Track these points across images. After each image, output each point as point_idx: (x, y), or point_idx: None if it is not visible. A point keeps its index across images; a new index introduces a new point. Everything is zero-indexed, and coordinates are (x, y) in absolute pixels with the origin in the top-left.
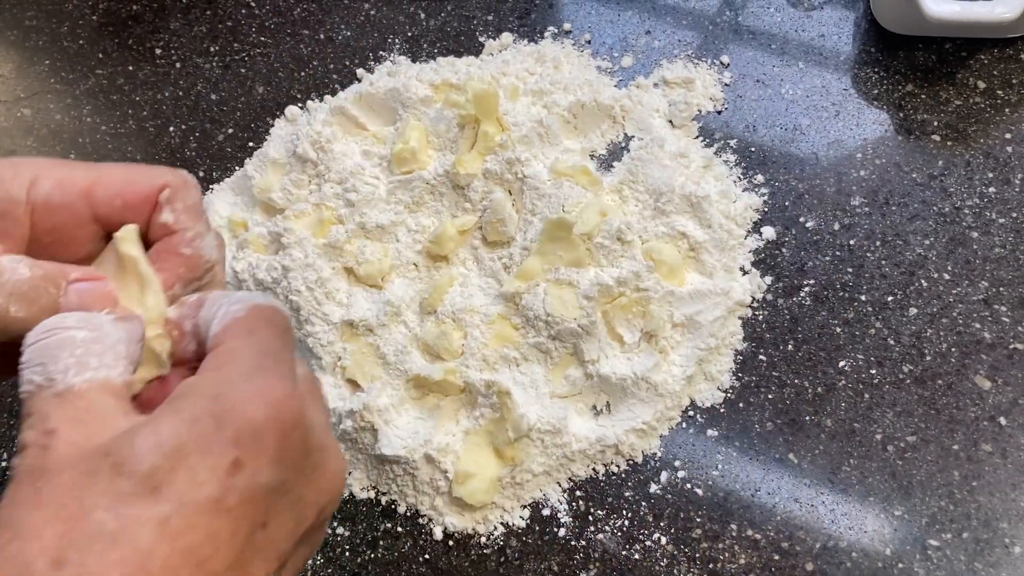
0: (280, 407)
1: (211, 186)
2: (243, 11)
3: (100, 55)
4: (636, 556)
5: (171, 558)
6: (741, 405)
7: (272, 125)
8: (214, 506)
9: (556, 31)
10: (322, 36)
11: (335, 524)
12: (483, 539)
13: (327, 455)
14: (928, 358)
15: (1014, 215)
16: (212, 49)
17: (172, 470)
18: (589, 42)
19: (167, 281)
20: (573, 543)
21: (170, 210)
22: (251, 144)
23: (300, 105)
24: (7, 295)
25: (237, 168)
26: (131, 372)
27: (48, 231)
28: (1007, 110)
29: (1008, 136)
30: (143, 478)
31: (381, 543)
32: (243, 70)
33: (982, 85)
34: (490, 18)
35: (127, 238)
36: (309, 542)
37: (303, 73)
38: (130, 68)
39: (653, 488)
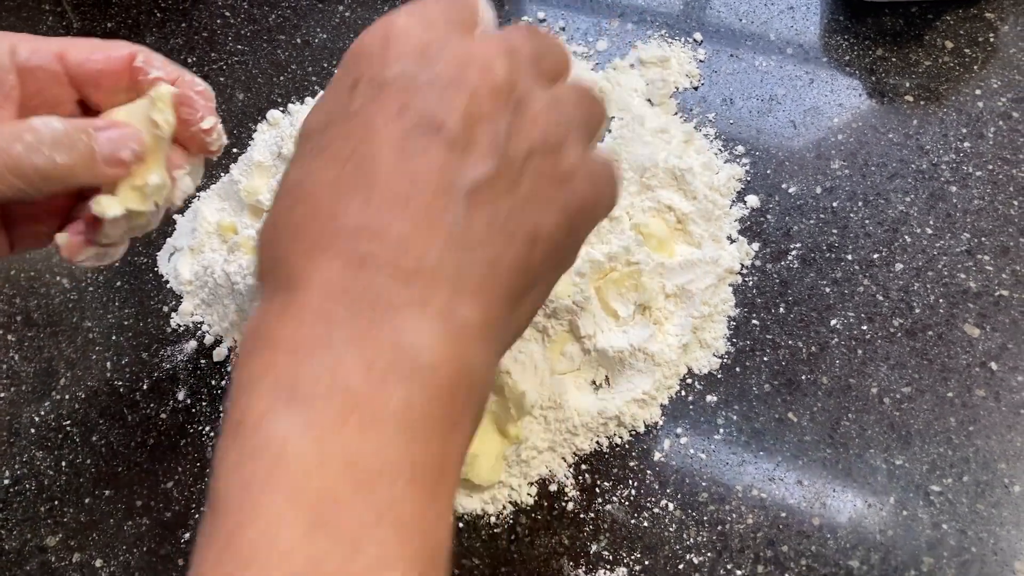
0: (377, 23)
1: (198, 194)
2: (218, 21)
3: None
4: (645, 523)
5: (321, 167)
6: (738, 369)
7: (255, 130)
8: (344, 117)
9: (530, 20)
10: (298, 40)
11: None
12: (492, 519)
13: (459, 43)
14: (917, 311)
15: (990, 167)
16: (189, 60)
17: (314, 119)
18: (563, 29)
19: (205, 111)
20: (582, 516)
21: (154, 67)
22: (235, 150)
23: (281, 109)
24: (50, 146)
25: (223, 175)
26: None
27: (32, 94)
28: (975, 67)
29: (978, 92)
30: (301, 137)
31: None
32: (222, 79)
33: (950, 45)
34: None
35: (163, 102)
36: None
37: (282, 78)
38: None
39: (657, 456)
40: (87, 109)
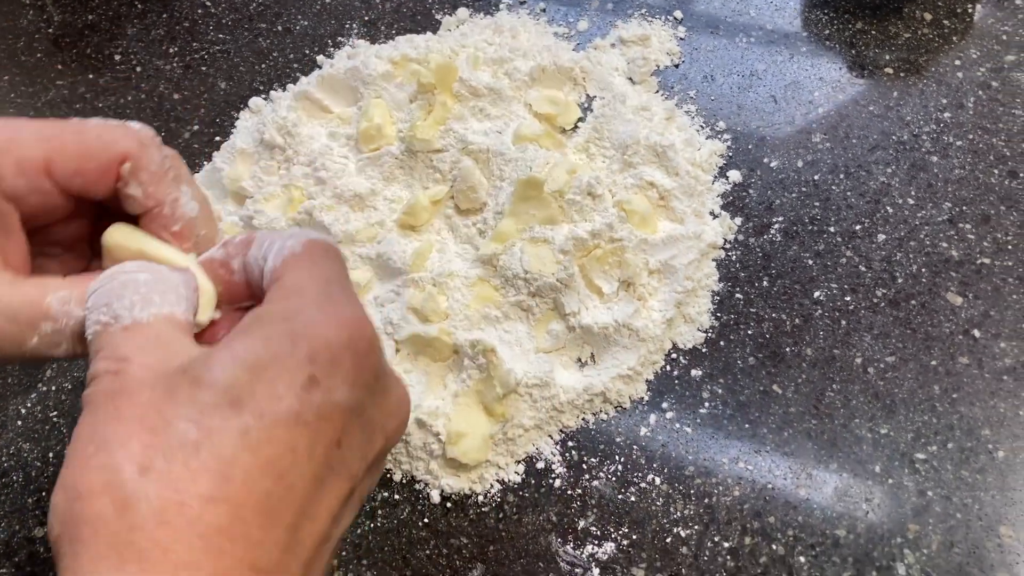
0: (353, 328)
1: None
2: (199, 11)
3: (59, 66)
4: (632, 498)
5: (252, 468)
6: (722, 343)
7: (237, 118)
8: (293, 420)
9: (511, 2)
10: (280, 28)
11: None
12: (480, 498)
13: (391, 380)
14: (900, 280)
15: (970, 137)
16: (171, 51)
17: (251, 383)
18: (544, 10)
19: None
20: (569, 492)
21: (136, 184)
22: (218, 138)
23: (264, 96)
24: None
25: (206, 163)
26: (191, 314)
27: (31, 216)
28: (954, 38)
29: (957, 63)
30: (223, 390)
31: (380, 512)
32: (204, 68)
33: (928, 17)
34: None
35: (116, 239)
36: (375, 470)
37: (264, 65)
38: (90, 76)
39: (643, 431)
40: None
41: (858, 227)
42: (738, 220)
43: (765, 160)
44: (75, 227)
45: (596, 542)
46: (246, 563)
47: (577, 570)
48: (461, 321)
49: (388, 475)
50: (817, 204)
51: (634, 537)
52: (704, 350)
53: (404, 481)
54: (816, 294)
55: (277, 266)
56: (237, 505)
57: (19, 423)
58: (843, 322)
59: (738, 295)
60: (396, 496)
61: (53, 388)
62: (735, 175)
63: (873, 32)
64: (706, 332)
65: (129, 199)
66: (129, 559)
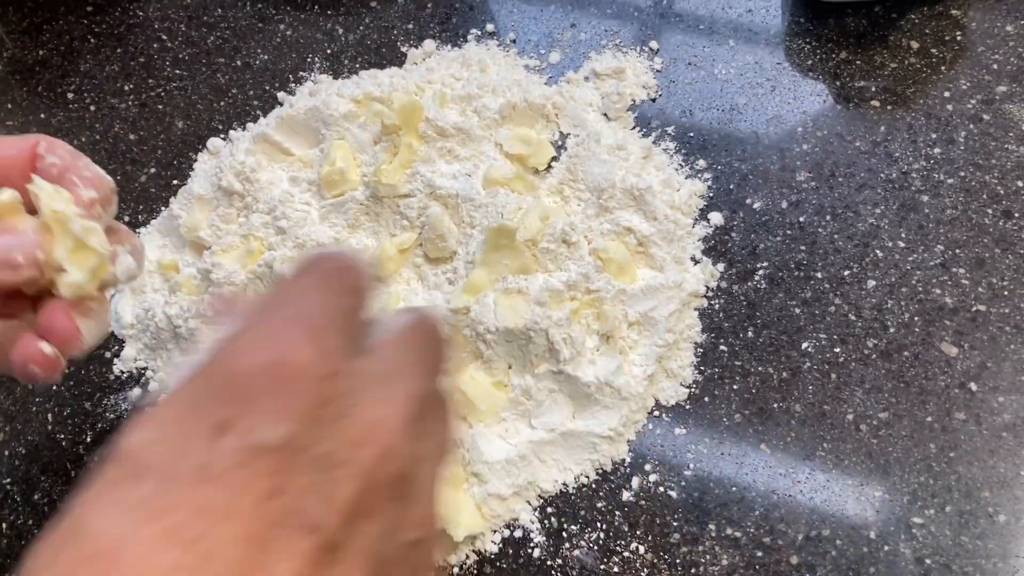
0: (277, 349)
1: (138, 230)
2: (155, 45)
3: (9, 105)
4: (615, 569)
5: (151, 541)
6: (707, 399)
7: (195, 160)
8: (198, 476)
9: (479, 33)
10: (239, 63)
11: None
12: (455, 570)
13: (356, 399)
14: (892, 330)
15: (962, 174)
16: (126, 88)
17: (155, 444)
18: (514, 41)
19: (87, 202)
20: (549, 563)
21: (53, 155)
22: (175, 182)
23: (222, 136)
24: None
25: (163, 208)
26: None
27: None
28: (943, 68)
29: (947, 95)
30: (129, 461)
31: None
32: (160, 106)
33: (915, 45)
34: (410, 26)
35: (9, 205)
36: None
37: (222, 103)
38: (42, 116)
39: (626, 496)
40: None
41: (847, 272)
42: (720, 266)
43: (747, 201)
44: None
45: None
46: None
47: None
48: None
49: None
50: (803, 248)
51: None
52: (688, 407)
53: None
54: (804, 345)
55: None
56: None
57: None
58: (833, 375)
59: (722, 347)
60: None
61: (6, 453)
62: (716, 217)
63: (858, 62)
64: (689, 387)
65: (48, 171)
66: None
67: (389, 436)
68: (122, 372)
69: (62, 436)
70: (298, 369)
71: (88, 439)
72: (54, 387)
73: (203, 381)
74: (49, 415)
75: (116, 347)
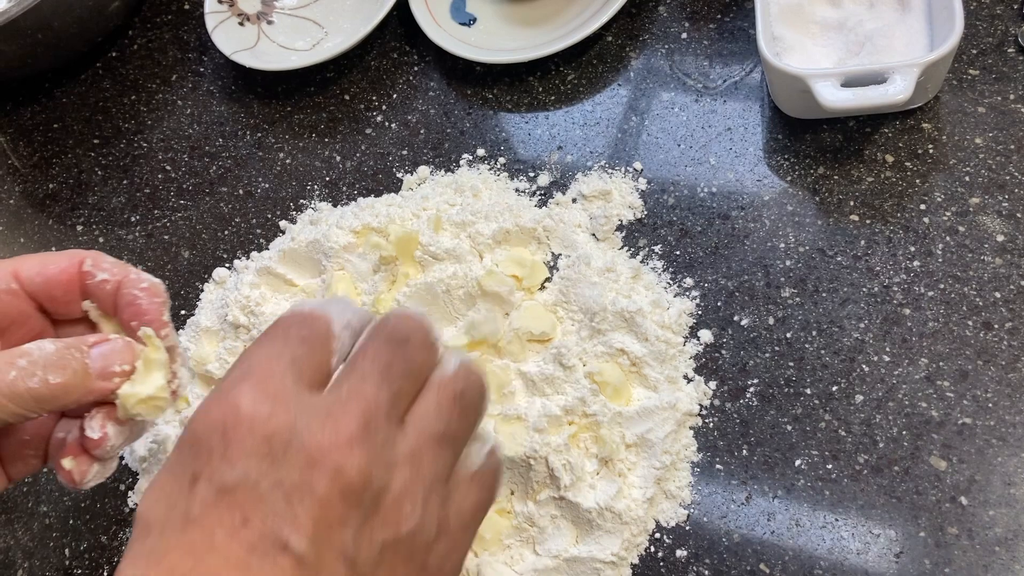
0: (223, 405)
1: None
2: (159, 176)
3: (22, 239)
4: None
5: None
6: (705, 520)
7: (201, 290)
8: (184, 522)
9: (471, 157)
10: (241, 191)
11: None
12: None
13: (306, 427)
14: (881, 445)
15: (941, 287)
16: (133, 219)
17: (152, 506)
18: (504, 166)
19: (152, 314)
20: None
21: (102, 271)
22: (183, 312)
23: (227, 265)
24: (43, 368)
25: None
26: None
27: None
28: (917, 181)
29: (923, 207)
30: (142, 524)
31: None
32: (166, 236)
33: (890, 159)
34: (405, 152)
35: (153, 342)
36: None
37: (226, 232)
38: (53, 248)
39: None
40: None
41: (835, 388)
42: (712, 384)
43: (735, 318)
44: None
45: None
46: None
47: None
48: None
49: None
50: (791, 364)
51: None
52: (687, 528)
53: None
54: (797, 462)
55: None
56: None
57: None
58: (827, 492)
59: (718, 466)
60: None
61: None
62: (706, 335)
63: (836, 177)
64: (688, 508)
65: (98, 289)
66: None
67: (338, 453)
68: (136, 505)
69: (80, 571)
70: (245, 417)
71: (104, 573)
72: (71, 521)
73: (181, 445)
74: (66, 550)
75: (130, 479)
